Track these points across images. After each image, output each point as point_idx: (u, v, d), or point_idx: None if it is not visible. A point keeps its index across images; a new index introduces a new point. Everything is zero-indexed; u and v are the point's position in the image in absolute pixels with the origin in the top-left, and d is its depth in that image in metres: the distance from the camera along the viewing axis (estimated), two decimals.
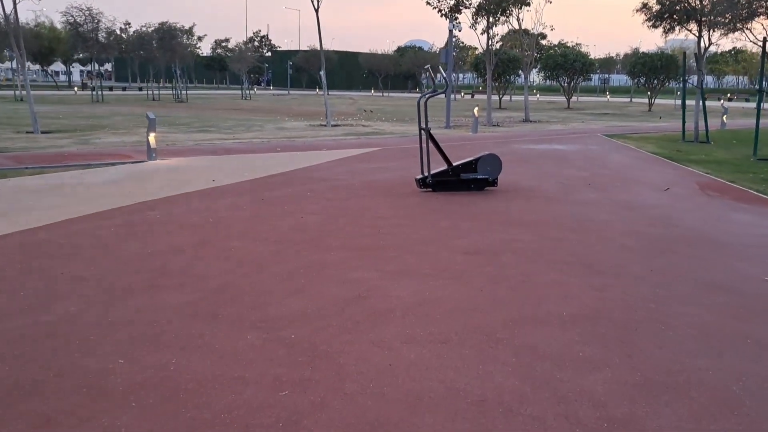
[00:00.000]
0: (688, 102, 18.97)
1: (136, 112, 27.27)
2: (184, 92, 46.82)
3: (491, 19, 23.40)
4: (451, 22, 21.10)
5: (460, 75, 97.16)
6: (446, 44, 23.11)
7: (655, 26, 18.15)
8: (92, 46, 37.09)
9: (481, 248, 5.88)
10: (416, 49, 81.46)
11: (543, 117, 30.43)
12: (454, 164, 8.88)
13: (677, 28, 18.02)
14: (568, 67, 41.77)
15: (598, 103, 53.61)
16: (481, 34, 23.98)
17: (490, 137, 18.33)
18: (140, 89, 47.61)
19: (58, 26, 40.40)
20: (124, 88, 65.95)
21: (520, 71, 37.69)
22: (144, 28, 46.15)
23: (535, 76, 76.16)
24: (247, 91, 49.82)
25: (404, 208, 7.67)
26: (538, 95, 66.35)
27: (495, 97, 44.89)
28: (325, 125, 21.34)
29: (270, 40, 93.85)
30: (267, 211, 7.39)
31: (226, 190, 8.75)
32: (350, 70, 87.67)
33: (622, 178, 10.51)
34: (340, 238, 6.20)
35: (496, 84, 41.53)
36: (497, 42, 26.21)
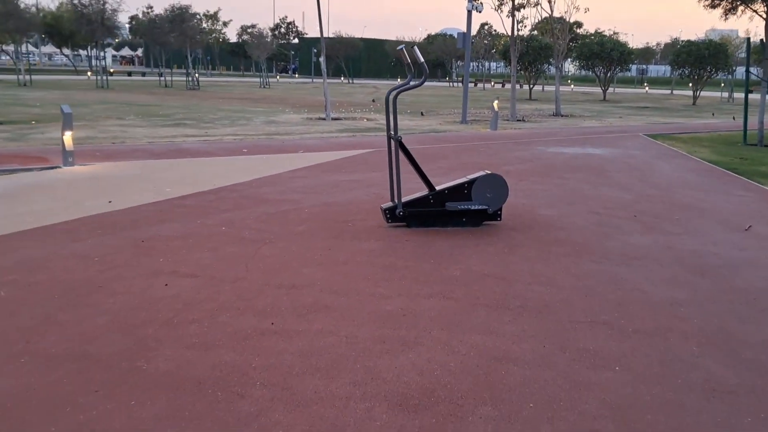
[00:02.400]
0: (738, 95, 15.89)
1: (128, 99, 24.98)
2: (199, 79, 44.72)
3: (517, 1, 20.48)
4: (470, 1, 18.27)
5: (493, 64, 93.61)
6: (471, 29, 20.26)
7: (713, 6, 15.12)
8: (96, 29, 34.96)
9: (435, 391, 3.19)
10: (446, 37, 78.19)
11: (576, 110, 27.41)
12: (437, 188, 6.19)
13: (740, 9, 14.96)
14: (604, 56, 38.43)
15: (635, 95, 50.01)
16: (507, 17, 21.11)
17: (511, 136, 15.53)
18: (160, 75, 45.64)
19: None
20: (143, 74, 64.26)
21: (552, 60, 34.64)
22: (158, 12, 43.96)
23: (570, 66, 72.44)
24: (266, 79, 47.43)
25: (347, 264, 5.02)
26: (572, 86, 62.75)
27: (525, 88, 41.84)
28: (324, 118, 18.73)
29: (297, 27, 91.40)
30: (126, 267, 4.80)
31: (111, 219, 6.20)
32: (377, 59, 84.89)
33: (680, 205, 7.69)
34: (184, 347, 3.58)
35: (526, 73, 38.43)
36: (528, 28, 23.29)
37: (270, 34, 67.58)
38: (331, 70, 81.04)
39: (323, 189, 8.02)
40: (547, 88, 52.53)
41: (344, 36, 72.45)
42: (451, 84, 64.16)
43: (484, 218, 6.25)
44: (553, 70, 32.18)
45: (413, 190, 7.20)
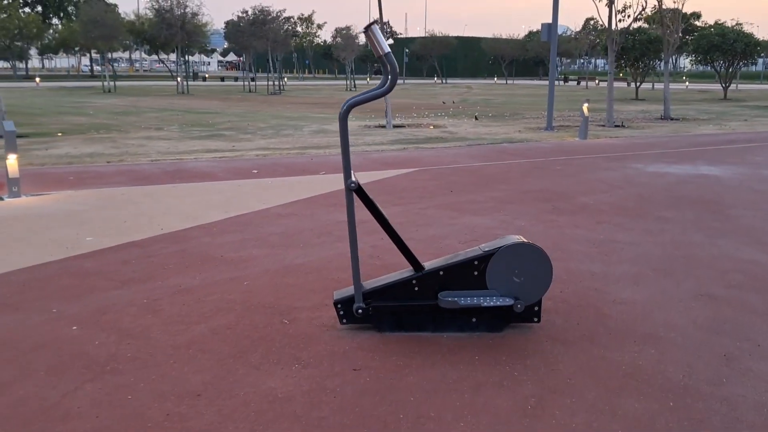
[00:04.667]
0: None
1: (193, 106, 23.68)
2: (284, 83, 43.59)
3: None
4: None
5: (600, 61, 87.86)
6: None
7: None
8: (175, 34, 34.32)
9: None
10: None
11: (690, 112, 23.63)
12: (428, 266, 3.66)
13: None
14: (726, 48, 33.79)
15: (762, 92, 44.46)
16: (606, 5, 17.98)
17: (602, 147, 12.56)
18: (252, 80, 45.05)
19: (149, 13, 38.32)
20: (236, 79, 64.27)
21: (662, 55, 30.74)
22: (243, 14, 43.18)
23: (685, 61, 66.47)
24: (354, 82, 45.72)
25: None
26: (687, 82, 57.09)
27: (632, 86, 37.68)
28: (384, 126, 16.38)
29: (392, 27, 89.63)
30: None
31: None
32: (474, 57, 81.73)
33: None
34: None
35: (632, 70, 34.46)
36: (631, 18, 19.89)
37: (350, 35, 66.17)
38: (425, 70, 78.66)
39: (304, 238, 5.66)
40: (657, 85, 47.71)
41: (438, 35, 69.90)
42: None
43: (510, 319, 3.67)
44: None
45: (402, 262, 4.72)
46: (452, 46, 67.46)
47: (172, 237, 5.67)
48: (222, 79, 62.72)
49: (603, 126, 17.10)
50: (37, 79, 45.36)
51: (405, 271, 3.70)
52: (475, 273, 3.59)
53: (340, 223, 6.22)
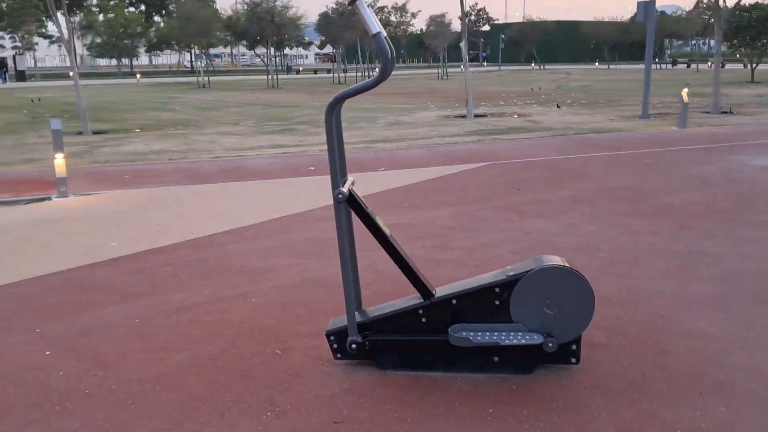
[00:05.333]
0: None
1: (276, 100, 23.75)
2: (372, 74, 43.36)
3: None
4: None
5: (713, 42, 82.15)
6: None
7: None
8: (266, 27, 34.69)
9: None
10: (657, 14, 69.91)
11: None
12: (440, 292, 3.03)
13: None
14: None
15: None
16: None
17: (703, 137, 11.30)
18: (344, 71, 45.23)
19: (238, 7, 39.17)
20: (328, 71, 64.73)
21: None
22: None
23: None
24: (446, 70, 44.84)
25: None
26: None
27: (747, 68, 34.71)
28: (465, 116, 15.61)
29: (488, 14, 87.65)
30: None
31: None
32: (574, 42, 78.53)
33: None
34: None
35: (747, 51, 31.71)
36: None
37: (457, 22, 64.69)
38: (523, 57, 76.30)
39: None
40: None
41: (537, 20, 67.59)
42: (658, 65, 56.66)
43: (541, 359, 2.98)
44: None
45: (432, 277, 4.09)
46: (551, 31, 65.09)
47: (199, 243, 5.29)
48: (315, 71, 63.41)
49: (708, 113, 15.58)
50: (138, 76, 47.35)
51: (412, 297, 3.09)
52: (497, 302, 2.93)
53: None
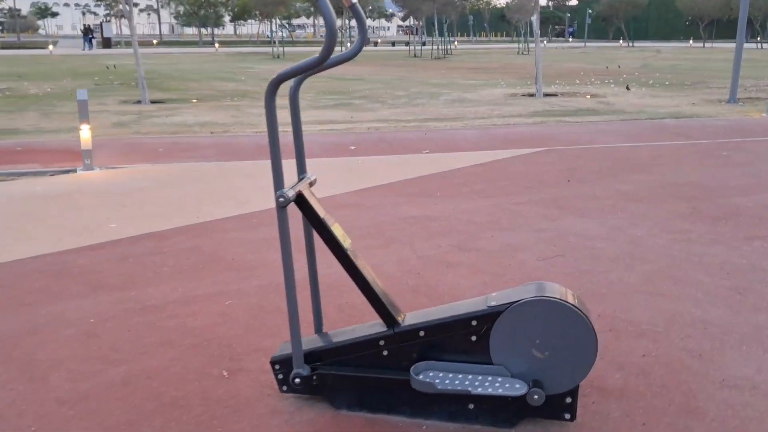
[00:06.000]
0: None
1: (343, 73, 23.32)
2: (451, 48, 42.22)
3: None
4: None
5: None
6: None
7: None
8: None
9: None
10: None
11: None
12: (408, 319, 2.48)
13: None
14: None
15: None
16: None
17: None
18: (423, 44, 44.23)
19: None
20: (407, 43, 63.65)
21: None
22: None
23: None
24: (527, 45, 43.24)
25: None
26: None
27: None
28: (534, 95, 14.71)
29: None
30: None
31: None
32: (668, 18, 74.32)
33: None
34: None
35: None
36: None
37: None
38: (611, 33, 72.81)
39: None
40: None
41: None
42: (760, 45, 52.78)
43: (526, 411, 2.39)
44: None
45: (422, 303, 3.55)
46: (642, 6, 61.74)
47: (201, 228, 4.91)
48: (393, 44, 62.58)
49: None
50: (217, 45, 47.91)
51: (375, 324, 2.55)
52: (473, 338, 2.36)
53: (402, 221, 5.10)
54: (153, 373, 2.81)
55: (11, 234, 4.78)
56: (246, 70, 24.96)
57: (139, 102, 13.20)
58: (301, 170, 2.62)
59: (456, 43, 56.64)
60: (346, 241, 2.49)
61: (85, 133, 6.79)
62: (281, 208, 2.33)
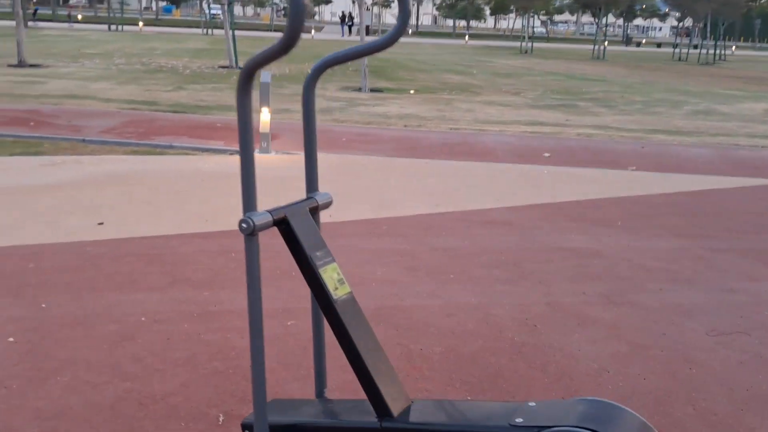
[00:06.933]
0: None
1: (582, 72, 21.74)
2: (722, 53, 37.54)
3: None
4: None
5: None
6: None
7: None
8: None
9: None
10: None
11: None
12: (403, 413, 1.72)
13: None
14: None
15: None
16: None
17: None
18: (695, 47, 40.06)
19: None
20: (674, 45, 58.20)
21: None
22: None
23: None
24: None
25: None
26: None
27: None
28: None
29: None
30: None
31: None
32: None
33: None
34: None
35: None
36: None
37: None
38: None
39: (448, 268, 3.89)
40: None
41: None
42: None
43: None
44: None
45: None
46: None
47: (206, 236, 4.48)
48: (659, 45, 57.66)
49: None
50: (466, 38, 47.96)
51: (366, 405, 1.84)
52: None
53: (552, 252, 4.20)
54: (148, 400, 2.40)
55: (146, 209, 4.78)
56: (483, 63, 24.47)
57: (359, 90, 13.34)
58: (311, 188, 2.00)
59: (734, 48, 50.54)
60: (338, 290, 1.83)
61: (265, 116, 6.77)
62: (247, 236, 1.73)
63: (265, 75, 6.85)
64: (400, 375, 2.66)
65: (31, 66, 14.21)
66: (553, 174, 6.47)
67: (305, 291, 1.97)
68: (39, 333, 2.87)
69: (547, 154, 7.41)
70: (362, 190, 5.56)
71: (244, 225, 1.71)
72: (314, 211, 1.97)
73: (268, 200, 5.19)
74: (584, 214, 5.08)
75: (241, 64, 15.89)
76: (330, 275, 1.84)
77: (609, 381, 2.67)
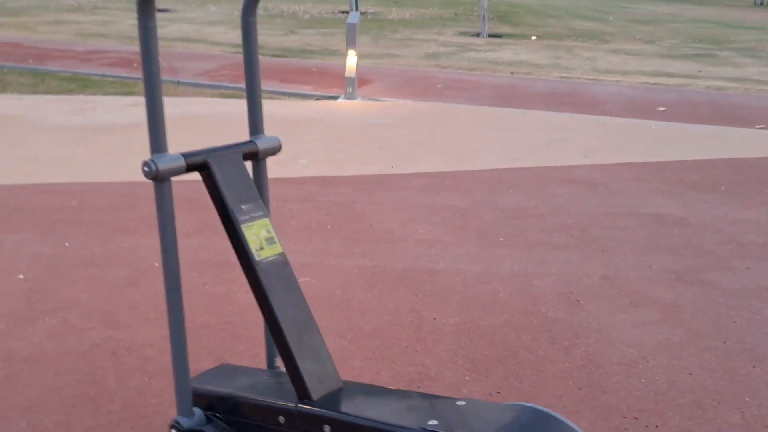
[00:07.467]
0: None
1: (737, 19, 19.54)
2: None
3: None
4: None
5: None
6: None
7: None
8: None
9: None
10: None
11: None
12: (322, 398, 1.44)
13: None
14: None
15: None
16: None
17: None
18: None
19: None
20: None
21: None
22: None
23: None
24: None
25: None
26: None
27: None
28: None
29: None
30: None
31: None
32: None
33: None
34: None
35: None
36: None
37: None
38: None
39: (501, 231, 3.49)
40: None
41: None
42: None
43: None
44: None
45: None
46: None
47: (364, 181, 4.22)
48: None
49: None
50: None
51: (288, 388, 1.59)
52: None
53: (629, 218, 3.69)
54: (123, 350, 2.30)
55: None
56: (625, 9, 22.62)
57: (476, 35, 12.72)
58: (254, 130, 1.74)
59: None
60: (263, 251, 1.57)
61: (351, 59, 6.51)
62: (155, 182, 1.51)
63: (353, 15, 6.56)
64: (401, 346, 2.40)
65: (160, 11, 14.80)
66: (662, 130, 5.76)
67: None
68: (51, 272, 2.85)
69: (661, 108, 6.63)
70: (439, 141, 5.20)
71: (146, 169, 1.49)
72: (254, 157, 1.72)
73: (341, 147, 4.98)
74: (683, 177, 4.45)
75: (361, 8, 15.67)
76: (255, 232, 1.59)
77: (643, 373, 2.25)
